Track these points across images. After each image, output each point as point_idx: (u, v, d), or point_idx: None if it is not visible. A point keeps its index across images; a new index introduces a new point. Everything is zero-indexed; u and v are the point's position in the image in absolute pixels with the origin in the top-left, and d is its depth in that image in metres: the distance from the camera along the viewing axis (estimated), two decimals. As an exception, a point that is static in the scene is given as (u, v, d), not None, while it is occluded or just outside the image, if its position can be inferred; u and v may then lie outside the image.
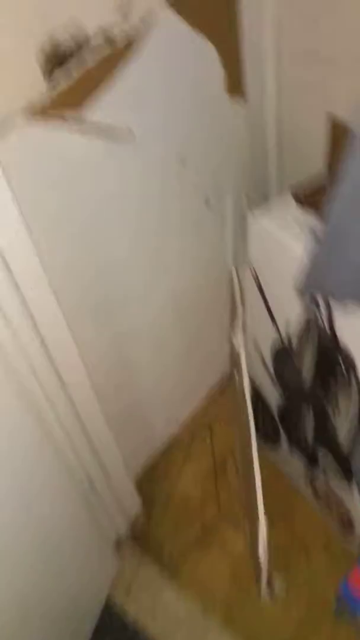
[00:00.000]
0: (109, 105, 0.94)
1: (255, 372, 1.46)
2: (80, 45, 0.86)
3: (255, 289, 1.26)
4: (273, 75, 1.24)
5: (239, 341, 1.40)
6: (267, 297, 1.24)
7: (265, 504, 1.18)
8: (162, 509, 1.65)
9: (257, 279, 1.24)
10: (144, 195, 1.16)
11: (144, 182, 1.13)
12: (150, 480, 1.69)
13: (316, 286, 0.99)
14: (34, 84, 0.85)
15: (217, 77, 1.13)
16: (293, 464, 1.55)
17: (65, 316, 1.00)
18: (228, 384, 1.68)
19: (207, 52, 1.06)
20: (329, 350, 1.10)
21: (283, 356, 1.29)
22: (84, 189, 1.03)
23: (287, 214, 1.12)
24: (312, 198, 1.12)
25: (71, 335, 1.04)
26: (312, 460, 1.43)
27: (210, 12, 1.01)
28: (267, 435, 1.59)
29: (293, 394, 1.35)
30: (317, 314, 1.07)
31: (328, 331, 1.07)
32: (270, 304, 1.24)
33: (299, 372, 1.25)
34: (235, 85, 1.16)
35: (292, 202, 1.14)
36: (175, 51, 1.00)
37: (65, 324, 1.02)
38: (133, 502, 1.59)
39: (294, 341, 1.21)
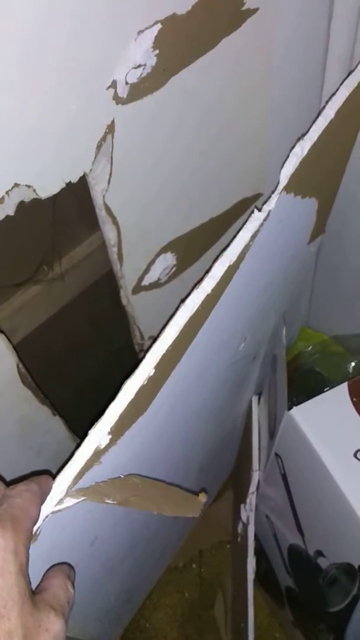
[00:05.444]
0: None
1: (264, 542, 1.14)
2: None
3: (279, 477, 0.92)
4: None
5: (248, 514, 1.08)
6: (294, 497, 0.90)
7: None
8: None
9: (281, 467, 0.90)
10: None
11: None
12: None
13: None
14: None
15: (306, 229, 0.73)
16: (297, 636, 1.25)
17: None
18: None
19: (305, 209, 0.66)
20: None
21: (302, 561, 0.96)
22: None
23: (337, 418, 0.77)
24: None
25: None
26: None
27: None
28: (269, 591, 1.29)
29: (309, 598, 1.03)
30: None
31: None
32: (295, 505, 0.90)
33: (321, 590, 0.93)
34: (320, 226, 0.78)
35: (347, 401, 0.79)
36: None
37: None
38: None
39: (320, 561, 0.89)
